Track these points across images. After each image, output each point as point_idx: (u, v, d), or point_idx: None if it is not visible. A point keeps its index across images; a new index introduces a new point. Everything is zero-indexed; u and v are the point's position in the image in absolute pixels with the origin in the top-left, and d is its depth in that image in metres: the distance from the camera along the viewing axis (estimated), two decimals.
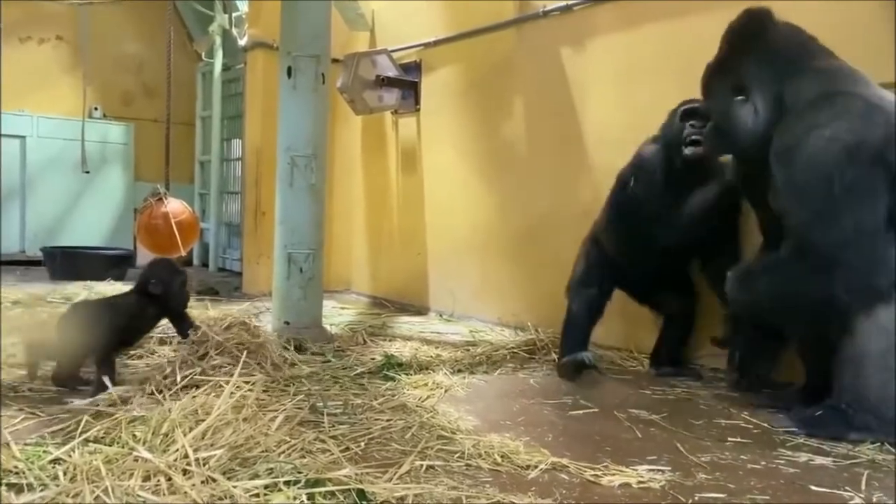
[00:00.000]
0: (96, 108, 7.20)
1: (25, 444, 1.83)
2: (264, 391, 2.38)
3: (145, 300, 2.73)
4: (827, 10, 2.77)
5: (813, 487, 1.85)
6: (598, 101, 3.80)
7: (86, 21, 5.68)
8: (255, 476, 1.65)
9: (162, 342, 3.13)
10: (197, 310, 3.53)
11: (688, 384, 2.95)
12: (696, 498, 1.75)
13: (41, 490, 1.56)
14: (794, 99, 2.31)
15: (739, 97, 2.43)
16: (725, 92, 2.47)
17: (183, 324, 2.83)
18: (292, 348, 3.09)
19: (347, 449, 1.96)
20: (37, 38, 7.16)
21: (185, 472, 1.64)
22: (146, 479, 1.60)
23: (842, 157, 2.12)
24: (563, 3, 3.91)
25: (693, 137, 2.83)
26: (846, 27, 2.72)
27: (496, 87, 4.41)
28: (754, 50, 2.40)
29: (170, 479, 1.60)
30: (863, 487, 1.85)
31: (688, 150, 2.85)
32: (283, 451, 1.85)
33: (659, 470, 1.92)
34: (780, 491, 1.82)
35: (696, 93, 3.21)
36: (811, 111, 2.23)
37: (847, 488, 1.84)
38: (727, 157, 2.82)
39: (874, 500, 1.78)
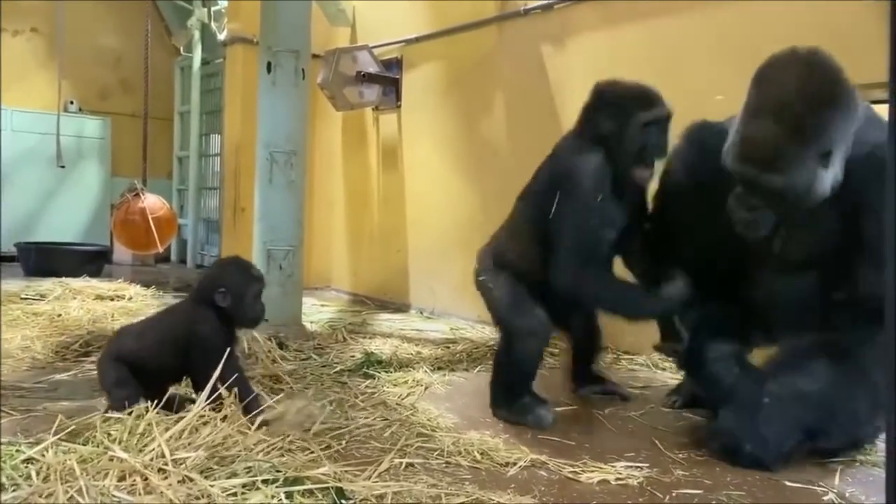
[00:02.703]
0: (72, 102, 7.08)
1: None
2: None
3: (206, 312, 2.09)
4: (822, 9, 2.80)
5: (787, 483, 1.88)
6: (578, 100, 3.74)
7: (61, 13, 5.57)
8: (233, 475, 1.64)
9: None
10: None
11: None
12: (674, 494, 1.77)
13: (13, 490, 1.53)
14: (857, 150, 1.98)
15: (823, 165, 1.95)
16: (810, 162, 1.94)
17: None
18: (275, 345, 3.08)
19: (327, 447, 1.95)
20: (11, 30, 7.02)
21: (161, 471, 1.62)
22: (121, 478, 1.58)
23: None
24: (544, 2, 3.92)
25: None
26: (841, 27, 2.74)
27: (477, 85, 4.40)
28: (837, 105, 1.95)
29: (146, 478, 1.57)
30: (836, 482, 1.88)
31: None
32: (262, 450, 1.84)
33: (637, 466, 1.94)
34: (755, 486, 1.85)
35: (676, 92, 3.21)
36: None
37: (821, 483, 1.87)
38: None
39: (847, 494, 1.82)
